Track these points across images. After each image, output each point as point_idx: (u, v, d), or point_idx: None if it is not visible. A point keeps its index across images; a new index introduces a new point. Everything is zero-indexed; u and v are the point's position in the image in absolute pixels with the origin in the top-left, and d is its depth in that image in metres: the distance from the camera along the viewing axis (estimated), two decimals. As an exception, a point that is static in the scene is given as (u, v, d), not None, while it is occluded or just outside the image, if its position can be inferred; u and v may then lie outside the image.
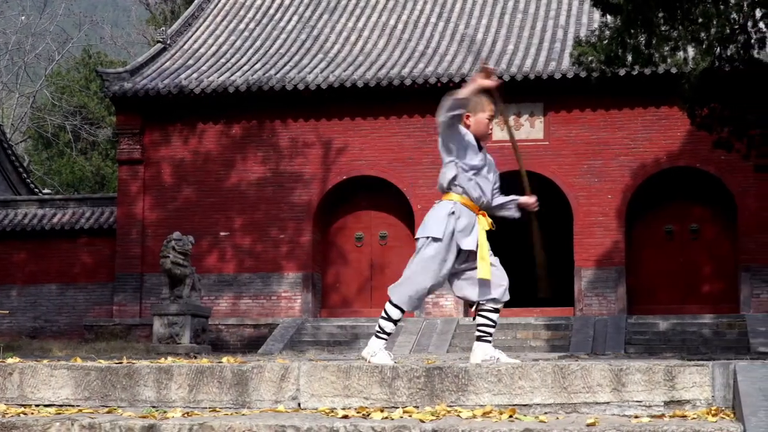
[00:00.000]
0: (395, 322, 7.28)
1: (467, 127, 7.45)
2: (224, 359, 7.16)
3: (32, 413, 5.97)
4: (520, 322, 27.50)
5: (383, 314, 7.29)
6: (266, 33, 34.74)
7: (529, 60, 30.17)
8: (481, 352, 7.24)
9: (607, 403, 5.62)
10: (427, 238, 7.19)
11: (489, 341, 7.30)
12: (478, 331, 7.35)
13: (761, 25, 20.79)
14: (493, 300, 7.26)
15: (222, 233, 30.70)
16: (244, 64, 32.45)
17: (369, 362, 6.98)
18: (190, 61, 33.14)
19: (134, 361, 6.91)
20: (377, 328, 7.32)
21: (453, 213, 7.21)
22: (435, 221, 7.21)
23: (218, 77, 31.32)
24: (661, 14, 19.44)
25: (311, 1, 36.32)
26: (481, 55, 26.92)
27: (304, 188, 30.56)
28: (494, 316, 7.33)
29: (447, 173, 7.29)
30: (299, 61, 32.31)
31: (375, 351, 7.22)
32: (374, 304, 30.46)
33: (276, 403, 5.93)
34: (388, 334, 7.28)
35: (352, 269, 30.98)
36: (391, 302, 7.25)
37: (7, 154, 37.41)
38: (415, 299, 7.27)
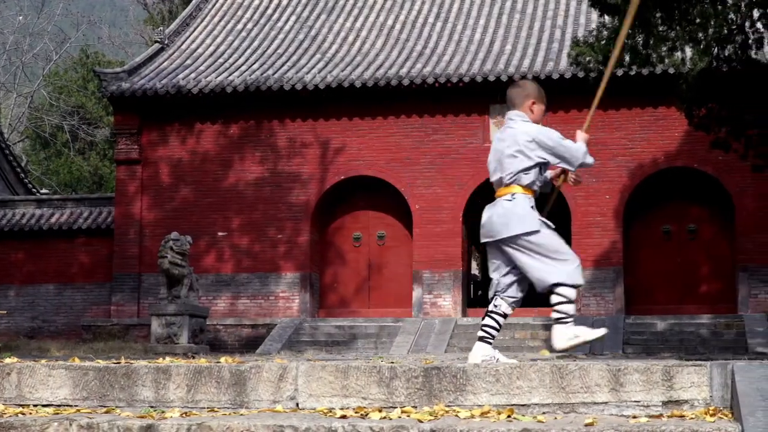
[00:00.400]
0: (574, 301, 7.24)
1: (531, 112, 7.53)
2: (222, 359, 7.16)
3: (30, 413, 5.97)
4: (518, 322, 27.48)
5: (560, 300, 7.21)
6: (264, 33, 34.73)
7: (526, 60, 30.18)
8: (481, 351, 7.26)
9: (606, 403, 5.62)
10: (530, 233, 7.24)
11: (490, 343, 7.32)
12: (482, 330, 7.37)
13: (759, 25, 20.79)
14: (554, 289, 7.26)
15: (220, 233, 30.70)
16: (242, 64, 32.44)
17: (570, 346, 6.88)
18: (188, 61, 33.13)
19: (132, 361, 6.91)
20: (559, 316, 7.22)
21: (533, 207, 7.35)
22: (528, 216, 7.28)
23: (216, 77, 31.31)
24: (658, 14, 19.45)
25: (309, 1, 36.31)
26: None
27: (302, 188, 30.56)
28: (501, 320, 7.39)
29: (530, 173, 7.38)
30: (297, 61, 32.31)
31: (573, 333, 7.13)
32: (372, 304, 30.47)
33: (274, 403, 5.93)
34: (572, 315, 7.21)
35: (350, 269, 30.98)
36: (565, 285, 7.20)
37: (5, 154, 37.40)
38: (580, 270, 7.30)
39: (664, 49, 19.87)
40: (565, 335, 7.15)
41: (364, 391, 5.84)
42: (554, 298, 7.25)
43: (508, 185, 7.40)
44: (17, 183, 37.92)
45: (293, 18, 35.42)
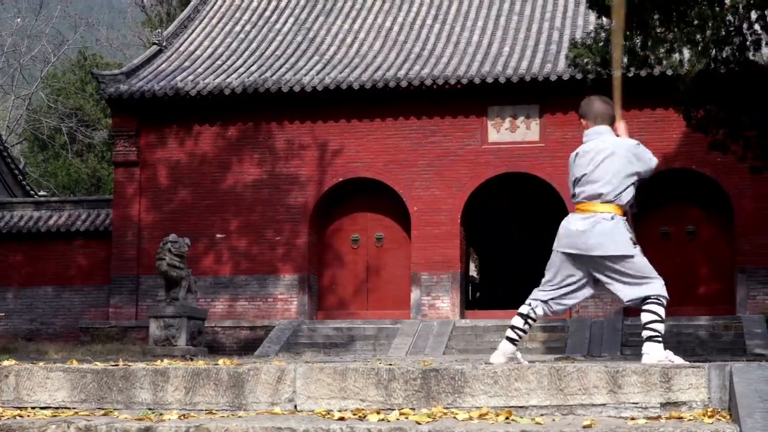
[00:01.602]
0: (664, 320, 7.42)
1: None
2: (220, 361, 7.17)
3: (28, 416, 5.96)
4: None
5: (653, 318, 7.32)
6: (262, 35, 34.73)
7: (524, 62, 30.18)
8: (508, 350, 7.42)
9: (604, 404, 5.62)
10: (626, 257, 7.35)
11: (516, 343, 7.45)
12: (511, 330, 7.49)
13: (756, 27, 20.79)
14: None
15: (218, 235, 30.69)
16: (240, 66, 32.44)
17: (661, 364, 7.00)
18: (186, 63, 33.13)
19: (130, 364, 6.90)
20: (652, 334, 7.27)
21: (629, 229, 7.41)
22: (624, 239, 7.34)
23: (214, 79, 31.30)
24: (656, 16, 19.46)
25: (307, 3, 36.32)
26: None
27: (300, 190, 30.55)
28: (532, 323, 7.56)
29: (629, 193, 7.45)
30: (295, 63, 32.30)
31: (665, 355, 7.15)
32: (370, 306, 30.46)
33: (272, 405, 5.93)
34: (663, 335, 7.32)
35: (348, 271, 30.97)
36: (658, 303, 7.39)
37: (3, 156, 37.38)
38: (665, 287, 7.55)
39: (662, 50, 19.88)
40: (658, 353, 7.14)
41: (362, 393, 5.84)
42: (646, 317, 7.31)
43: (608, 202, 7.40)
44: (15, 185, 37.90)
45: (291, 20, 35.43)
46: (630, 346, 25.45)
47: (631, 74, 25.79)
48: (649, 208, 29.63)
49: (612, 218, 7.36)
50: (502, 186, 30.53)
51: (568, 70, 27.97)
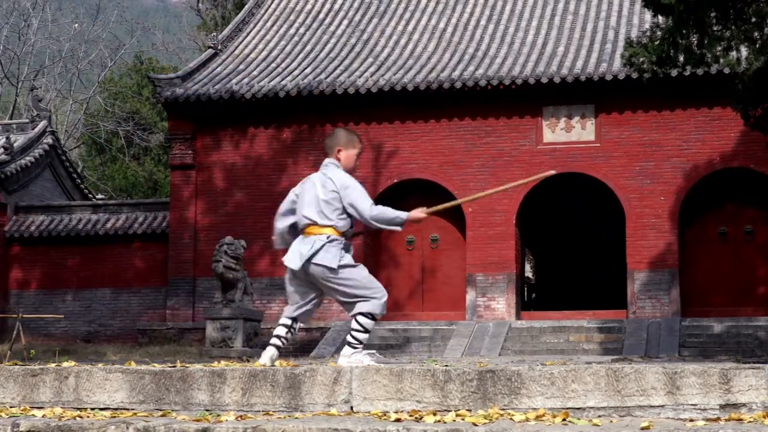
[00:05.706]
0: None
1: (338, 160, 8.34)
2: (277, 363, 7.20)
3: (88, 416, 6.02)
4: (573, 325, 27.36)
5: (358, 328, 7.89)
6: (316, 37, 34.84)
7: (579, 62, 30.03)
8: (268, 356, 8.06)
9: (662, 406, 5.58)
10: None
11: (280, 349, 8.22)
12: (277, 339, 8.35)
13: (816, 23, 20.53)
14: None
15: (274, 237, 30.75)
16: (295, 69, 32.57)
17: None
18: (241, 66, 33.32)
19: (187, 365, 6.95)
20: (350, 340, 7.86)
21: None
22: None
23: (269, 82, 31.45)
24: (713, 14, 19.29)
25: (361, 5, 36.39)
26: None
27: (355, 192, 30.53)
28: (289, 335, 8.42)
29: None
30: (349, 65, 32.37)
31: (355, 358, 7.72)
32: (426, 307, 30.44)
33: (328, 406, 5.95)
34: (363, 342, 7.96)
35: (404, 273, 30.97)
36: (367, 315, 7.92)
37: (62, 160, 37.81)
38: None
39: (719, 48, 19.69)
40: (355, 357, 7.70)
41: (418, 394, 5.84)
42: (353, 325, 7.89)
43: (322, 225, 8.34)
44: (74, 189, 38.32)
45: (345, 22, 35.51)
46: (688, 347, 25.24)
47: (687, 73, 25.60)
48: (706, 208, 29.38)
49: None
50: (558, 186, 30.40)
51: (623, 70, 27.78)
